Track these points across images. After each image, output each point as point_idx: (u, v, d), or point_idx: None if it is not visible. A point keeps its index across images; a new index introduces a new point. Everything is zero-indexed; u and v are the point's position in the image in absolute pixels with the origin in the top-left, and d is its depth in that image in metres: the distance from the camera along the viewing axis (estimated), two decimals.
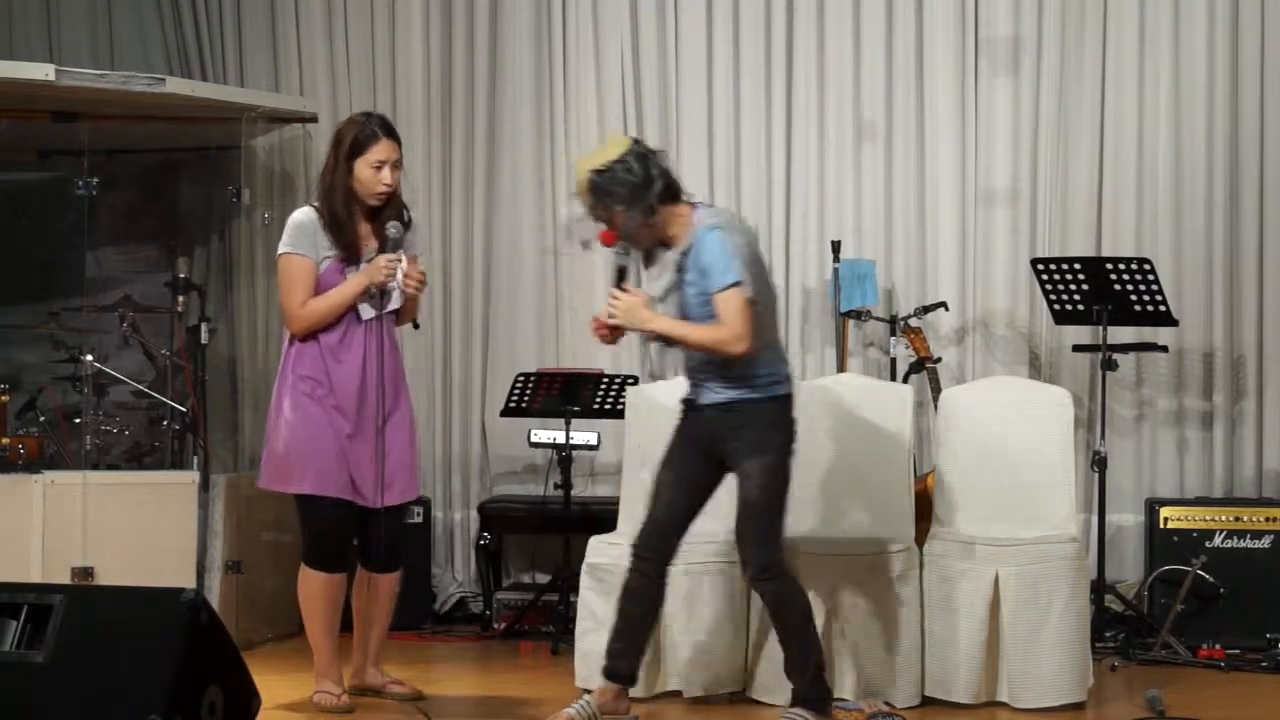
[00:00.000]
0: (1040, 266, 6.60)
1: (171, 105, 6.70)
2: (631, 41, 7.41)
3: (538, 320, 7.53)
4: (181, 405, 6.90)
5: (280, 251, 5.37)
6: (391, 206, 5.42)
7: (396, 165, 5.36)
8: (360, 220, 5.37)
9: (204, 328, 7.00)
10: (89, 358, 6.79)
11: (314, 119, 7.33)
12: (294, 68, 7.66)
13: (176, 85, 6.67)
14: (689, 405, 5.18)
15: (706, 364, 5.03)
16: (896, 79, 7.24)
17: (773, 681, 5.55)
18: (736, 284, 4.91)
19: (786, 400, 5.09)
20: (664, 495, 5.16)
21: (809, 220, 7.31)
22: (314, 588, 5.42)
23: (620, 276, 5.07)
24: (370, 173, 5.31)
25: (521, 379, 6.81)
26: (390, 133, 5.37)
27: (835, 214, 7.27)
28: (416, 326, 5.75)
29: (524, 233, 7.54)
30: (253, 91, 7.25)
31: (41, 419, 6.89)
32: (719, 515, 5.84)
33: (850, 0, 7.26)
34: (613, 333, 5.11)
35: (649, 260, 5.13)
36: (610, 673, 5.22)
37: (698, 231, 4.98)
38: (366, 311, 5.33)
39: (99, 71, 6.78)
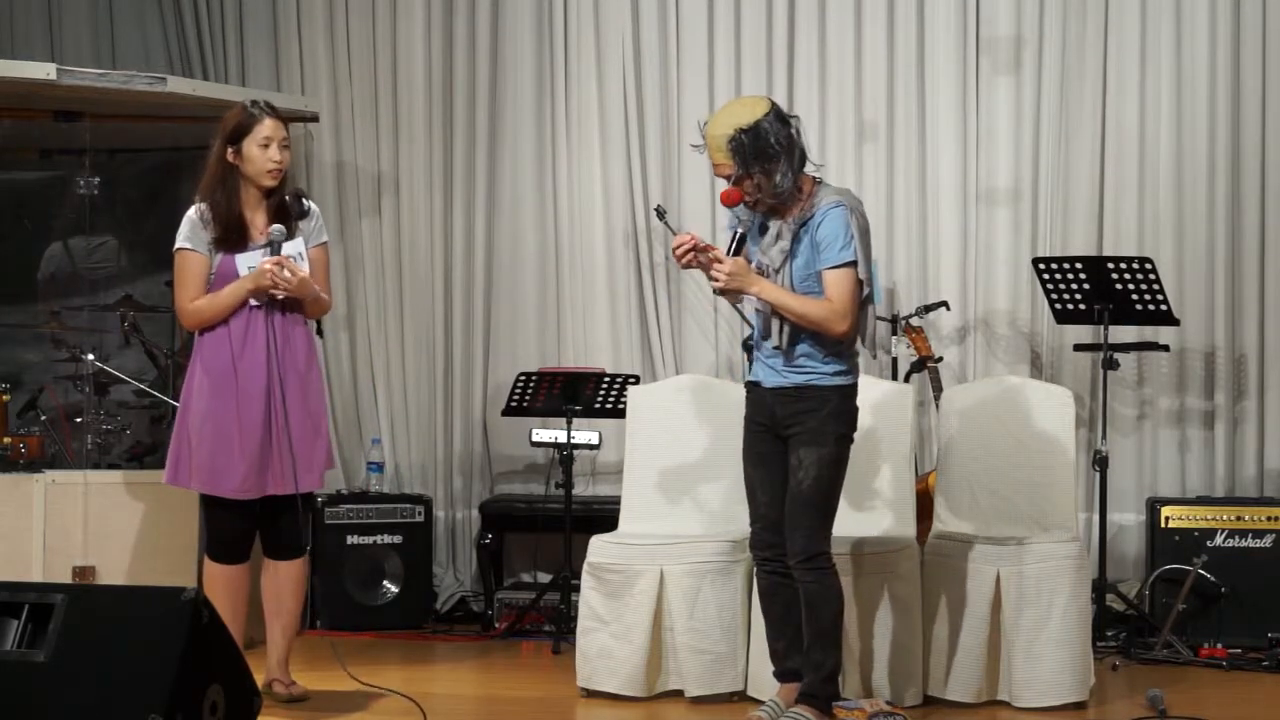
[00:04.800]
0: (1041, 266, 6.60)
1: (173, 104, 6.71)
2: (633, 41, 7.41)
3: (539, 320, 7.53)
4: None
5: (174, 248, 5.41)
6: (284, 190, 5.42)
7: (284, 144, 5.39)
8: (247, 205, 5.39)
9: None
10: (90, 357, 6.80)
11: (315, 118, 7.34)
12: (295, 67, 7.67)
13: (178, 84, 6.67)
14: (753, 386, 5.14)
15: (795, 345, 4.96)
16: (898, 78, 7.24)
17: (773, 681, 5.55)
18: (852, 264, 4.87)
19: (851, 390, 5.05)
20: (761, 493, 5.12)
21: None
22: (215, 581, 5.42)
23: (739, 244, 4.99)
24: (258, 151, 5.34)
25: (523, 378, 6.81)
26: (274, 113, 5.41)
27: None
28: (320, 335, 5.70)
29: (525, 232, 7.54)
30: (254, 91, 7.23)
31: (43, 418, 6.89)
32: (719, 515, 5.85)
33: (851, 0, 7.26)
34: (690, 263, 4.95)
35: (763, 229, 5.03)
36: (782, 674, 5.20)
37: (822, 205, 4.91)
38: (253, 299, 5.35)
39: (101, 71, 6.79)
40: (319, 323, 5.63)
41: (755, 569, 5.21)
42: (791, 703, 5.09)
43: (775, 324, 4.98)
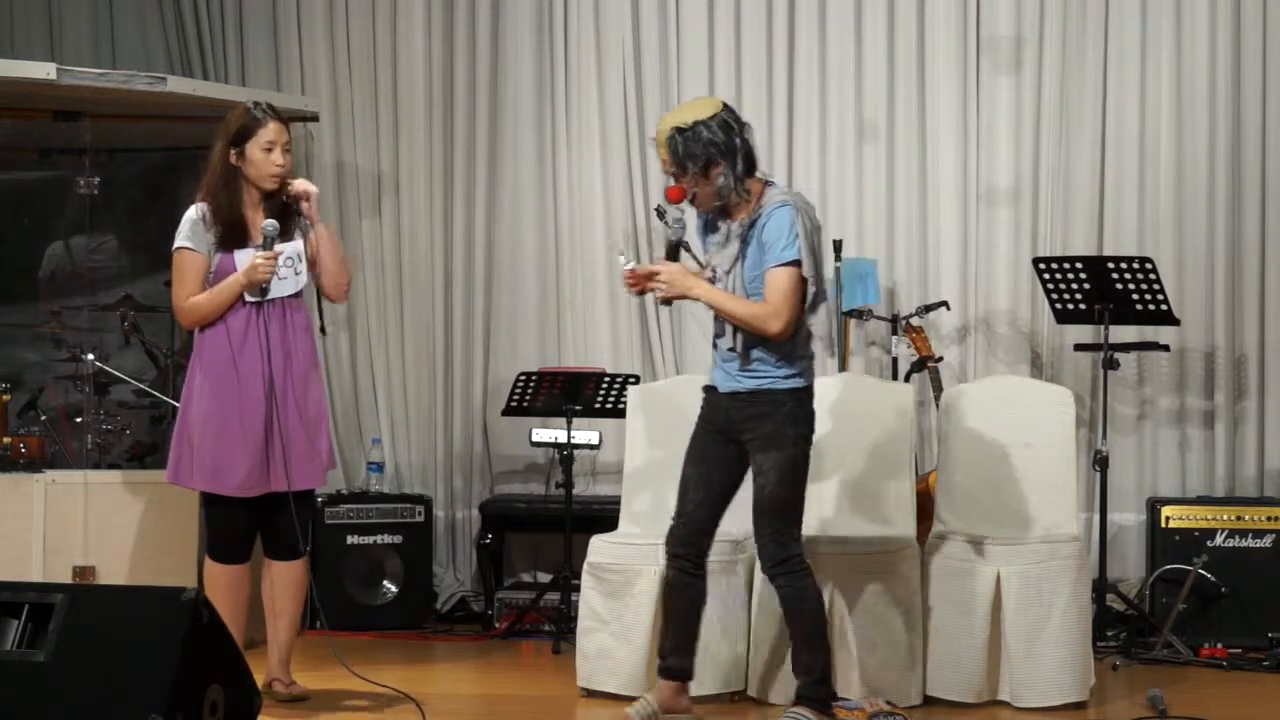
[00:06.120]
0: (1042, 265, 6.60)
1: (173, 104, 6.70)
2: (633, 41, 7.40)
3: (539, 319, 7.53)
4: None
5: (174, 247, 5.41)
6: (284, 193, 5.42)
7: (286, 148, 5.39)
8: (248, 206, 5.40)
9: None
10: (90, 357, 6.80)
11: (315, 118, 7.33)
12: (295, 67, 7.66)
13: (178, 84, 6.67)
14: (710, 390, 5.16)
15: (750, 348, 5.00)
16: (898, 78, 7.24)
17: (773, 681, 5.56)
18: (794, 263, 4.90)
19: (806, 393, 5.06)
20: (693, 492, 5.15)
21: None
22: (216, 580, 5.42)
23: (672, 251, 5.06)
24: (261, 155, 5.35)
25: (523, 378, 6.81)
26: (278, 116, 5.41)
27: (837, 213, 7.27)
28: (324, 332, 5.70)
29: (525, 232, 7.54)
30: (254, 90, 7.23)
31: (43, 418, 6.89)
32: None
33: (851, 0, 7.26)
34: (640, 289, 5.09)
35: (708, 228, 5.10)
36: (666, 670, 5.22)
37: (768, 206, 4.96)
38: (252, 295, 5.35)
39: (101, 70, 6.78)
40: (322, 320, 5.62)
41: (665, 564, 5.24)
42: (667, 700, 5.17)
43: (729, 327, 5.04)
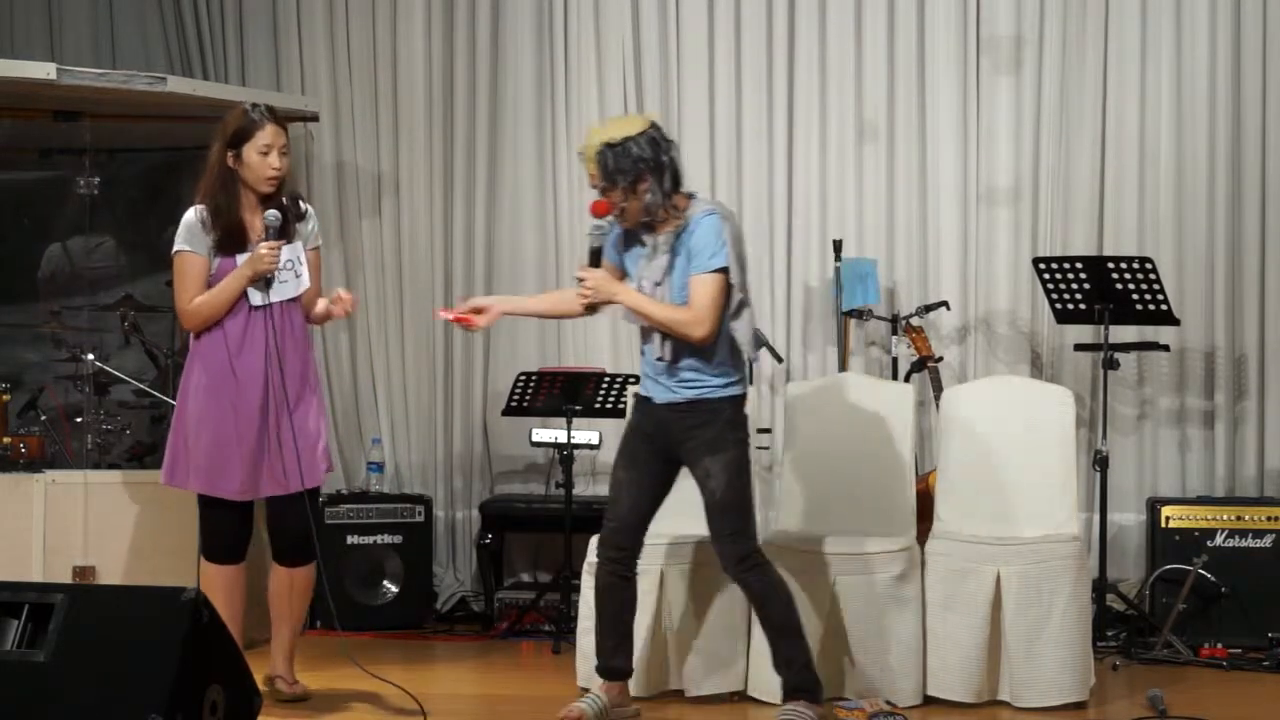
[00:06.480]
0: (1042, 265, 6.60)
1: (173, 104, 6.70)
2: (633, 41, 7.40)
3: (539, 320, 7.52)
4: None
5: (174, 250, 5.40)
6: (282, 195, 5.41)
7: (284, 151, 5.38)
8: (245, 209, 5.38)
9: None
10: (90, 357, 6.80)
11: (315, 118, 7.33)
12: (295, 67, 7.66)
13: (178, 84, 6.67)
14: (643, 401, 5.22)
15: (679, 358, 5.06)
16: (898, 78, 7.24)
17: (773, 681, 5.56)
18: (721, 270, 4.96)
19: (743, 400, 5.15)
20: (627, 496, 5.21)
21: (810, 219, 7.31)
22: (212, 581, 5.40)
23: (593, 258, 5.12)
24: (258, 158, 5.33)
25: (523, 378, 6.81)
26: (275, 118, 5.39)
27: (837, 213, 7.28)
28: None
29: (525, 231, 7.54)
30: (254, 90, 7.24)
31: (43, 418, 6.89)
32: None
33: (851, 0, 7.26)
34: (475, 323, 5.29)
35: (629, 242, 5.16)
36: (607, 671, 5.27)
37: (695, 215, 5.02)
38: (255, 297, 5.34)
39: (100, 70, 6.78)
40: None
41: (596, 567, 5.27)
42: (615, 700, 5.22)
43: (658, 335, 5.08)
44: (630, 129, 5.01)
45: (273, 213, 5.33)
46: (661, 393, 5.11)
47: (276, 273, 5.31)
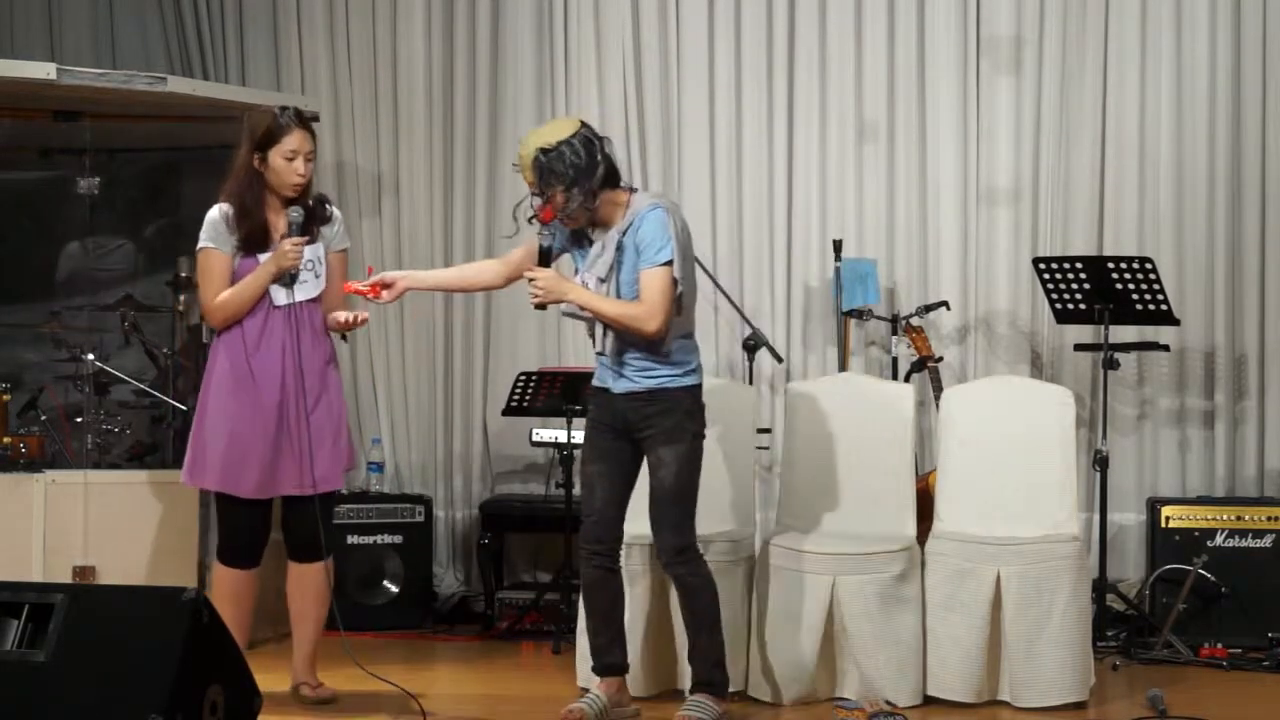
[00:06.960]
0: (1042, 265, 6.60)
1: (173, 104, 6.70)
2: (633, 41, 7.40)
3: (539, 319, 7.51)
4: (183, 404, 6.90)
5: (198, 247, 5.40)
6: (307, 199, 5.42)
7: (310, 157, 5.37)
8: (270, 210, 5.38)
9: (205, 326, 7.00)
10: (90, 357, 6.80)
11: (315, 118, 7.29)
12: (295, 67, 7.66)
13: (178, 84, 6.67)
14: (600, 392, 5.24)
15: (622, 352, 5.11)
16: (898, 78, 7.24)
17: (773, 680, 5.56)
18: (668, 263, 5.01)
19: (699, 389, 5.20)
20: (600, 489, 5.24)
21: (810, 219, 7.31)
22: (221, 585, 5.41)
23: (544, 257, 5.14)
24: (284, 163, 5.33)
25: (523, 378, 6.81)
26: (304, 124, 5.40)
27: (837, 213, 7.28)
28: (344, 338, 5.73)
29: (525, 231, 7.52)
30: (254, 90, 7.24)
31: (43, 418, 6.89)
32: (720, 515, 5.85)
33: (851, 0, 7.26)
34: (381, 296, 5.33)
35: (578, 241, 5.20)
36: (604, 668, 5.30)
37: (640, 209, 5.07)
38: (278, 296, 5.35)
39: (100, 70, 6.78)
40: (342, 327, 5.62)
41: (582, 562, 5.31)
42: (614, 698, 5.26)
43: (599, 330, 5.14)
44: (562, 132, 5.06)
45: (296, 209, 5.34)
46: (621, 383, 5.16)
47: (301, 257, 5.31)
